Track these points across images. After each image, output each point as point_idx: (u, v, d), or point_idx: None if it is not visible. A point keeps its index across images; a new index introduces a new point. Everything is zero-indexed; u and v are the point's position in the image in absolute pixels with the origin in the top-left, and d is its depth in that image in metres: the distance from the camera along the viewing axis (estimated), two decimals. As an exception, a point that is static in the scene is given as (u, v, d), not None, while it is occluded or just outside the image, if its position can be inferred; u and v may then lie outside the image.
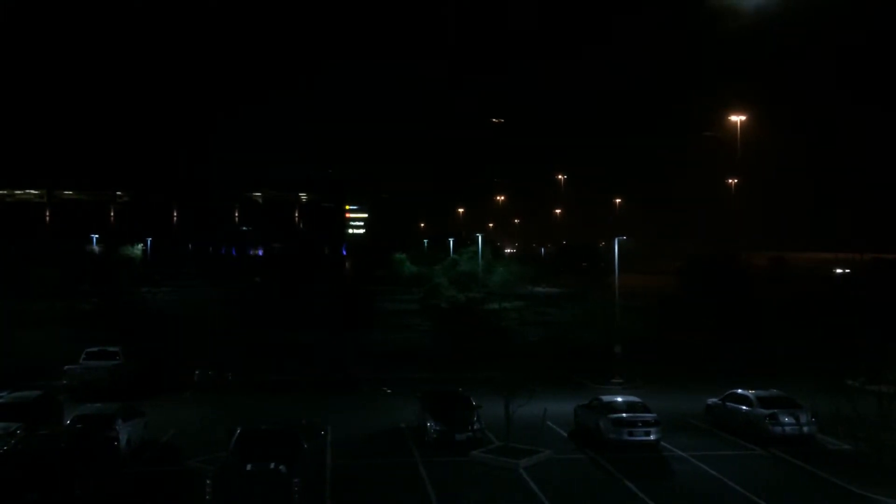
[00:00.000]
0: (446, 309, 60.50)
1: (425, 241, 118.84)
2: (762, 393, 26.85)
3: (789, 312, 43.49)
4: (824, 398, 23.44)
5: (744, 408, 26.55)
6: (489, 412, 26.03)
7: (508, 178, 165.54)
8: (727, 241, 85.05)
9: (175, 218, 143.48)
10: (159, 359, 38.30)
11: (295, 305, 64.41)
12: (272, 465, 18.50)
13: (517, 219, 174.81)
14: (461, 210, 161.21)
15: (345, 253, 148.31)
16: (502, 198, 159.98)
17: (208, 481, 18.21)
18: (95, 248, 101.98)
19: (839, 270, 67.46)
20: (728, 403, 27.50)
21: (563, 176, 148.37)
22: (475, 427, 25.11)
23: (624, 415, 25.10)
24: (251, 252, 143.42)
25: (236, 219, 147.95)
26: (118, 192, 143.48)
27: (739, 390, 27.53)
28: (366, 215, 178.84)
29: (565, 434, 27.04)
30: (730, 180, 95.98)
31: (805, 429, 25.33)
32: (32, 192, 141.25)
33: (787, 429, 25.27)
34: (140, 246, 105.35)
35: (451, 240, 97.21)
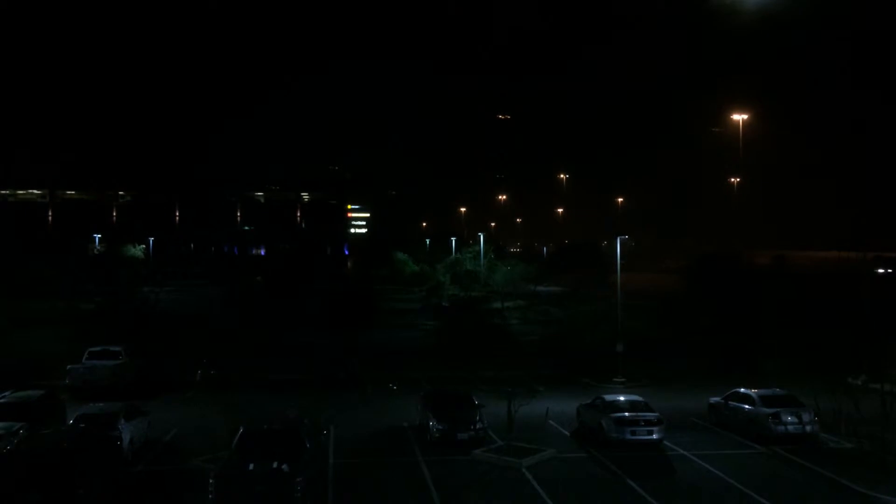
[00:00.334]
0: (448, 308, 60.56)
1: (427, 240, 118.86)
2: (765, 392, 26.81)
3: (792, 311, 43.41)
4: (827, 397, 23.46)
5: (746, 406, 26.52)
6: (492, 411, 26.03)
7: (511, 177, 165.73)
8: (729, 240, 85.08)
9: (177, 217, 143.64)
10: (162, 358, 38.32)
11: (297, 305, 64.45)
12: (275, 465, 18.48)
13: (519, 218, 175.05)
14: (463, 209, 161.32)
15: (347, 252, 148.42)
16: (504, 197, 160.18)
17: (211, 480, 18.21)
18: (98, 247, 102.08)
19: (881, 270, 67.29)
20: (731, 402, 27.47)
21: (564, 175, 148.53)
22: (477, 426, 25.11)
23: (626, 414, 25.08)
24: (253, 251, 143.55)
25: (238, 218, 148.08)
26: (120, 192, 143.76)
27: (742, 389, 27.50)
28: (368, 214, 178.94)
29: (568, 433, 27.01)
30: (732, 179, 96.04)
31: (808, 427, 25.30)
32: (35, 191, 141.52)
33: (790, 427, 25.24)
34: (141, 246, 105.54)
35: (452, 239, 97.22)
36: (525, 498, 20.34)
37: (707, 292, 48.56)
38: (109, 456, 20.53)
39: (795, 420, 25.33)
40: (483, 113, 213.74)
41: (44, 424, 23.20)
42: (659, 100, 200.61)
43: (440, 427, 24.89)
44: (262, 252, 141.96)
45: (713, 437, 26.57)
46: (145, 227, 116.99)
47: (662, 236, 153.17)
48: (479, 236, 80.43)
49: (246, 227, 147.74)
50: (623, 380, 35.99)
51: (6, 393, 25.38)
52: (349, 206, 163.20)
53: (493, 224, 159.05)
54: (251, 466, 18.48)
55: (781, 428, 25.24)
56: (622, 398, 26.68)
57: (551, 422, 27.77)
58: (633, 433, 24.60)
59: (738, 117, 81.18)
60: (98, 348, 34.79)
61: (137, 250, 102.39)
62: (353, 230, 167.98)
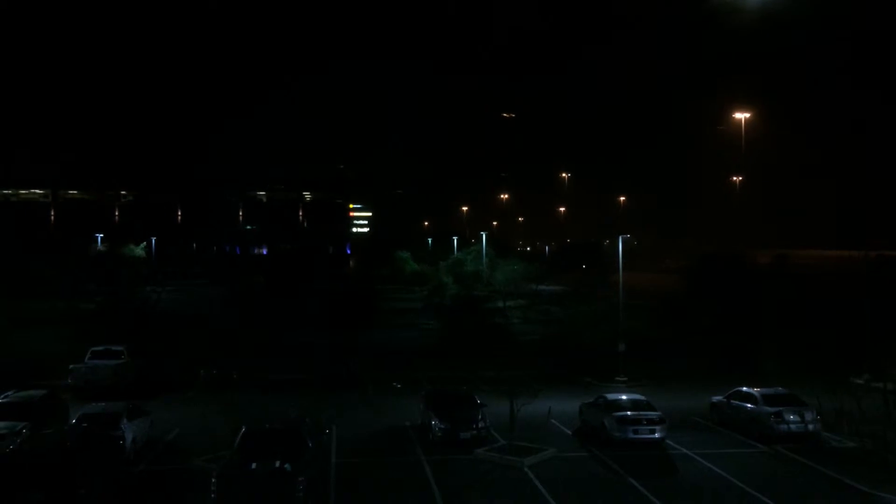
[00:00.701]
0: (450, 307, 60.48)
1: (429, 239, 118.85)
2: (767, 391, 26.81)
3: (793, 310, 43.36)
4: (829, 396, 23.43)
5: (749, 405, 26.52)
6: (493, 410, 26.02)
7: (512, 177, 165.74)
8: (730, 239, 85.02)
9: (179, 217, 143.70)
10: (163, 358, 38.33)
11: (298, 304, 64.44)
12: (277, 464, 18.49)
13: (521, 217, 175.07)
14: (465, 208, 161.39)
15: (349, 251, 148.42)
16: (505, 196, 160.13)
17: (213, 480, 18.22)
18: (100, 247, 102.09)
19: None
20: (733, 401, 27.47)
21: (566, 174, 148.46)
22: (480, 425, 25.12)
23: (629, 413, 25.07)
24: (255, 251, 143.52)
25: (240, 218, 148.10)
26: (122, 192, 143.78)
27: (744, 388, 27.51)
28: (370, 214, 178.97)
29: (570, 432, 27.01)
30: (734, 178, 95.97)
31: (810, 426, 25.30)
32: (37, 191, 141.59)
33: (792, 426, 25.24)
34: (143, 245, 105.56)
35: (454, 238, 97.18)
36: (527, 497, 20.33)
37: (708, 292, 48.53)
38: (111, 455, 20.54)
39: (798, 419, 25.33)
40: (484, 112, 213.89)
41: (46, 424, 23.24)
42: (659, 100, 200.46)
43: (442, 426, 24.89)
44: (264, 252, 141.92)
45: (715, 437, 26.56)
46: (147, 227, 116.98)
47: (663, 236, 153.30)
48: (482, 235, 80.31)
49: (248, 227, 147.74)
50: (625, 379, 35.99)
51: (8, 393, 25.42)
52: (351, 206, 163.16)
53: (494, 223, 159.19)
54: (253, 466, 18.49)
55: (784, 427, 25.24)
56: (624, 397, 26.70)
57: (553, 421, 27.78)
58: (636, 432, 24.59)
59: (741, 116, 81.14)
60: (100, 348, 34.81)
61: (139, 250, 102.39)
62: (354, 229, 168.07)
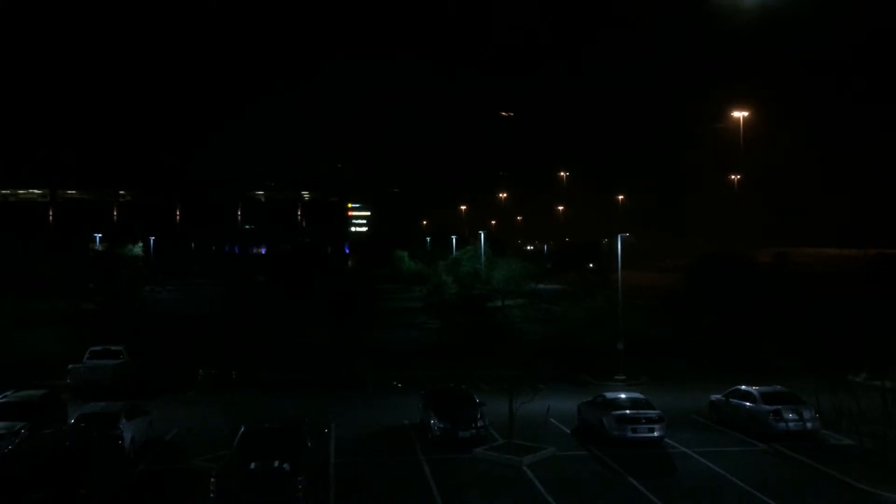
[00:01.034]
0: (449, 306, 60.49)
1: (427, 238, 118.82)
2: (766, 389, 26.84)
3: (792, 308, 43.36)
4: (828, 394, 23.43)
5: (747, 404, 26.54)
6: (493, 409, 26.04)
7: (511, 176, 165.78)
8: (730, 238, 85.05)
9: (178, 217, 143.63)
10: (162, 358, 38.32)
11: (297, 304, 64.42)
12: (276, 464, 18.49)
13: (520, 216, 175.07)
14: (464, 207, 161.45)
15: (347, 251, 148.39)
16: (504, 195, 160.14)
17: (212, 480, 18.23)
18: (99, 247, 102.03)
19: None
20: (732, 400, 27.49)
21: (565, 173, 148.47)
22: (479, 425, 25.13)
23: (627, 411, 25.08)
24: (254, 250, 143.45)
25: (239, 217, 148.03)
26: (121, 192, 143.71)
27: (743, 386, 27.53)
28: (368, 213, 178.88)
29: (569, 431, 27.02)
30: (733, 176, 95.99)
31: (809, 425, 25.33)
32: (36, 191, 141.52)
33: (791, 425, 25.27)
34: (141, 245, 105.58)
35: (453, 237, 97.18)
36: (526, 496, 20.34)
37: (707, 291, 48.52)
38: (111, 455, 20.52)
39: (796, 417, 25.35)
40: (483, 112, 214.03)
41: (45, 424, 23.22)
42: (659, 99, 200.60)
43: (441, 426, 24.91)
44: (263, 251, 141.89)
45: (714, 435, 26.58)
46: (146, 227, 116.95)
47: (662, 235, 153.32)
48: (480, 235, 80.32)
49: (246, 227, 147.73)
50: (624, 378, 36.01)
51: (8, 392, 25.43)
52: (350, 205, 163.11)
53: (493, 222, 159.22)
54: (253, 466, 18.49)
55: (783, 425, 25.26)
56: (623, 396, 26.70)
57: (552, 420, 27.79)
58: (635, 431, 24.61)
59: (739, 114, 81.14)
60: (99, 348, 34.81)
61: (138, 250, 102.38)
62: (353, 229, 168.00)
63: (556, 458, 23.63)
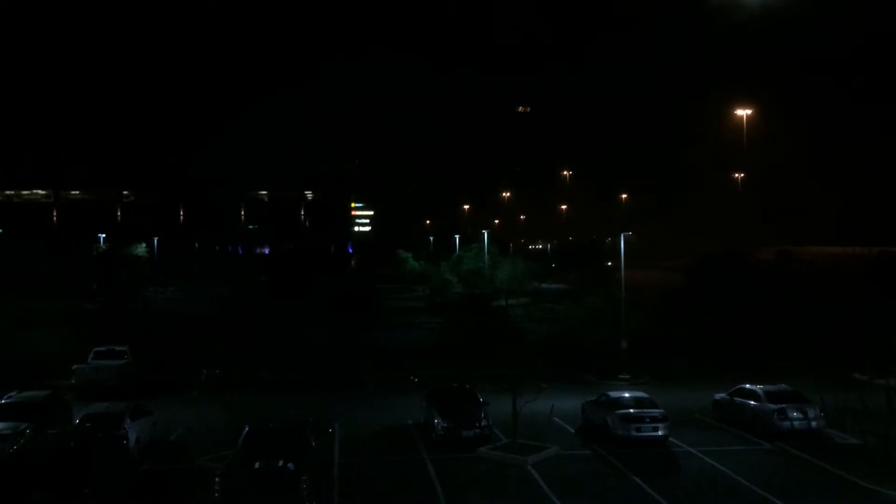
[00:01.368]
0: (453, 306, 60.53)
1: (431, 238, 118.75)
2: (770, 388, 26.77)
3: (795, 307, 43.26)
4: (832, 393, 23.39)
5: (752, 403, 26.49)
6: (497, 409, 26.01)
7: (514, 175, 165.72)
8: (732, 236, 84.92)
9: (181, 217, 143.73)
10: (166, 358, 38.35)
11: (300, 304, 64.52)
12: (280, 463, 18.49)
13: (523, 215, 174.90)
14: (467, 207, 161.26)
15: (350, 251, 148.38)
16: (507, 195, 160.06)
17: (216, 479, 18.22)
18: (102, 247, 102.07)
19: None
20: (736, 398, 27.43)
21: (568, 173, 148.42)
22: (482, 424, 25.11)
23: (631, 410, 25.04)
24: (257, 251, 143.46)
25: (242, 217, 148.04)
26: (124, 192, 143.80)
27: (747, 385, 27.47)
28: (371, 213, 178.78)
29: (573, 430, 27.00)
30: (735, 175, 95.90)
31: (813, 423, 25.26)
32: (39, 192, 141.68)
33: (796, 423, 25.20)
34: (144, 245, 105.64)
35: (456, 236, 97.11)
36: (530, 495, 20.32)
37: (709, 289, 48.45)
38: (115, 455, 20.55)
39: (801, 416, 25.29)
40: (484, 111, 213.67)
41: (49, 424, 23.25)
42: (660, 98, 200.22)
43: (445, 425, 24.89)
44: (266, 251, 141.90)
45: (718, 434, 26.54)
46: (149, 227, 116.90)
47: (664, 234, 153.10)
48: (483, 234, 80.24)
49: (249, 227, 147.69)
50: (627, 377, 35.95)
51: (12, 393, 25.46)
52: (353, 205, 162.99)
53: (496, 221, 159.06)
54: (256, 465, 18.49)
55: (787, 424, 25.20)
56: (627, 395, 26.64)
57: (556, 419, 27.75)
58: (639, 430, 24.57)
59: (742, 112, 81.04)
60: (103, 348, 34.86)
61: (141, 250, 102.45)
62: (356, 228, 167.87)
63: (560, 457, 23.60)
